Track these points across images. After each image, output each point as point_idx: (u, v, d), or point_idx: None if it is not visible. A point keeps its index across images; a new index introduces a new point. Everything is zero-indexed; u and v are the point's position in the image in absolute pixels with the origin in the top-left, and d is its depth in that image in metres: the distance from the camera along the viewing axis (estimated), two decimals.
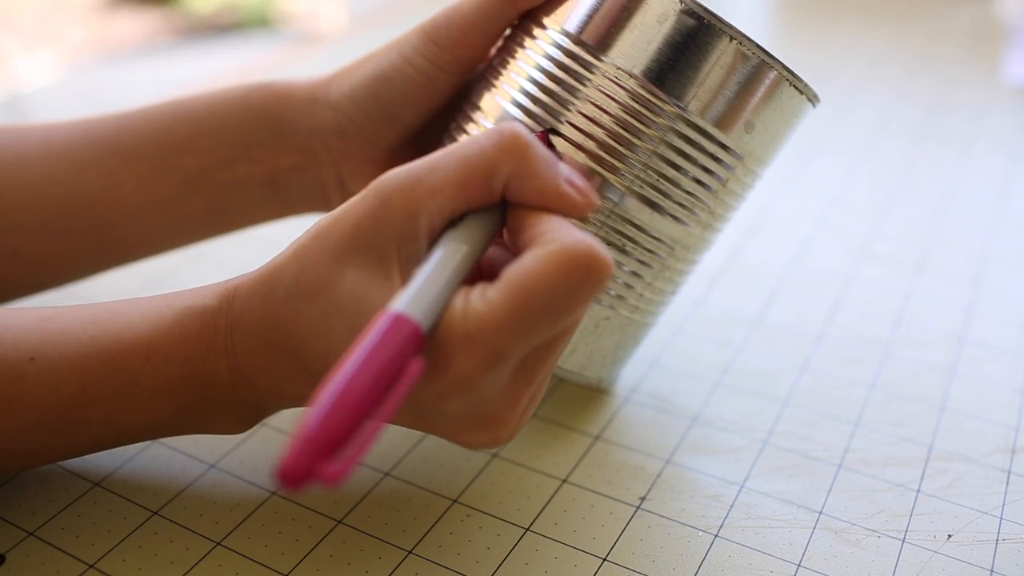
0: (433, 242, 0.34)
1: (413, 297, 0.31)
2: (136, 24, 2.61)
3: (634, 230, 0.40)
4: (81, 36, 2.54)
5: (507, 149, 0.34)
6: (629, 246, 0.40)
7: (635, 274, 0.41)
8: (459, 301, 0.32)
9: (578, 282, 0.31)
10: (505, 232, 0.36)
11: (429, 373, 0.32)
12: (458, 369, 0.32)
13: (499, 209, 0.36)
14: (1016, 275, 0.61)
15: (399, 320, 0.31)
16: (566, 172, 0.35)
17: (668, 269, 0.42)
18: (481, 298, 0.32)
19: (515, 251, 0.34)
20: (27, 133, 0.46)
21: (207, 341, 0.36)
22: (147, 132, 0.46)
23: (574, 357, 0.42)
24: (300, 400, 0.36)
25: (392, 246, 0.34)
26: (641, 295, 0.42)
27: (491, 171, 0.34)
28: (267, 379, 0.36)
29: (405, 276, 0.34)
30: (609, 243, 0.40)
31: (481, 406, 0.34)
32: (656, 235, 0.40)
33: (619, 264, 0.40)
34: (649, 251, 0.41)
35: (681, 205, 0.40)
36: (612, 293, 0.41)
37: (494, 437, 0.35)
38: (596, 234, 0.40)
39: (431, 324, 0.32)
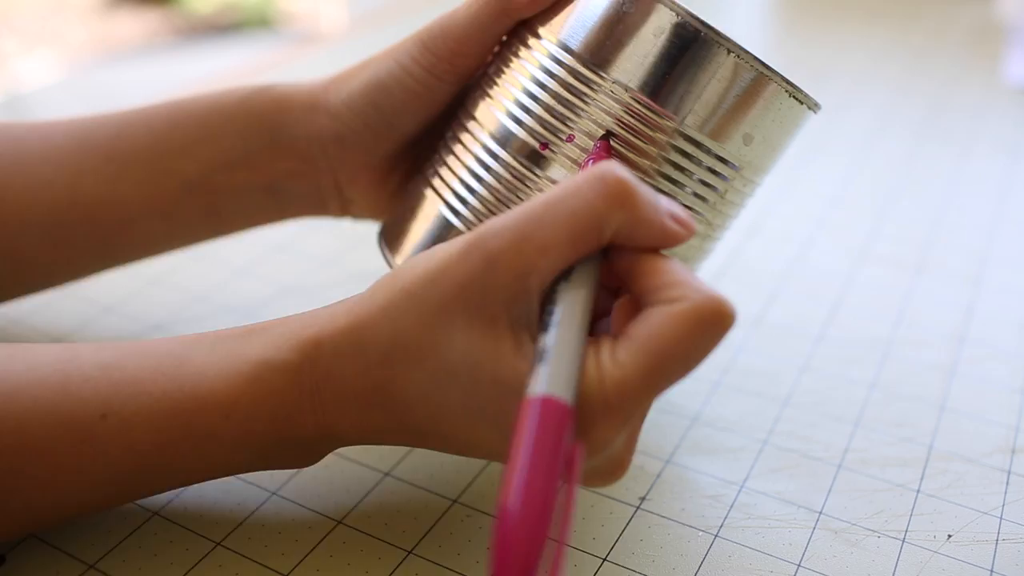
0: (543, 298, 0.33)
1: (555, 374, 0.30)
2: (136, 24, 2.61)
3: None
4: (81, 36, 2.54)
5: (615, 199, 0.32)
6: None
7: None
8: (592, 366, 0.32)
9: (711, 338, 0.31)
10: (608, 266, 0.35)
11: (579, 438, 0.31)
12: (599, 435, 0.32)
13: (601, 250, 0.34)
14: (1016, 275, 0.61)
15: (552, 405, 0.30)
16: (666, 206, 0.34)
17: None
18: (613, 362, 0.31)
19: (629, 292, 0.34)
20: (24, 135, 0.46)
21: (292, 399, 0.35)
22: (146, 137, 0.45)
23: None
24: (394, 443, 0.37)
25: (501, 307, 0.32)
26: None
27: (601, 224, 0.32)
28: (359, 434, 0.36)
29: (518, 336, 0.33)
30: None
31: (610, 458, 0.34)
32: None
33: None
34: None
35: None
36: None
37: (615, 479, 0.35)
38: None
39: (575, 397, 0.31)
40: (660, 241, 0.33)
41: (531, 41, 0.40)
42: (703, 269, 0.45)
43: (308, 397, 0.35)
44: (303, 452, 0.37)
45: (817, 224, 0.66)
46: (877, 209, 0.68)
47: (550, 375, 0.31)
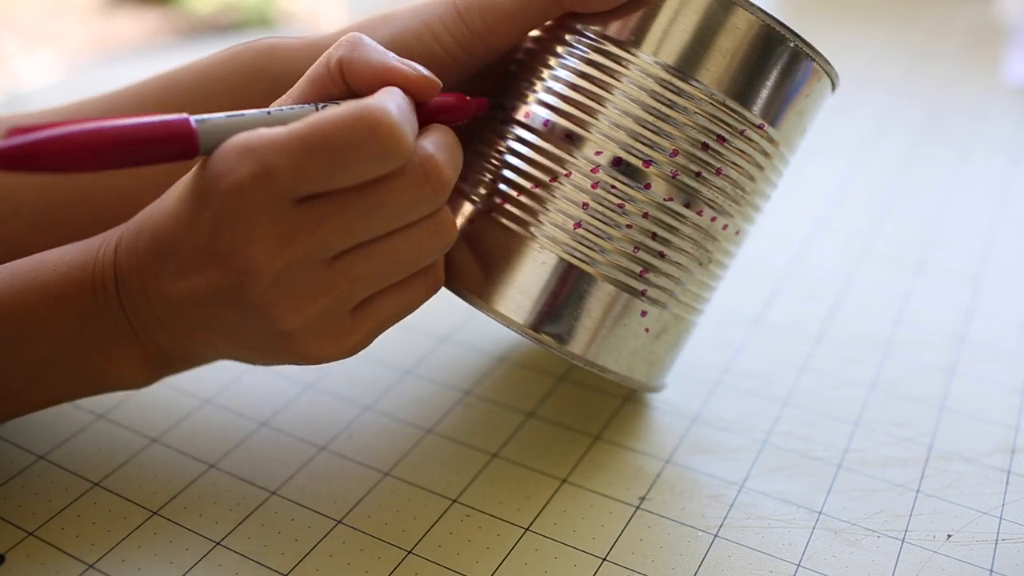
0: None
1: (209, 117, 0.34)
2: (136, 24, 2.61)
3: (676, 220, 0.40)
4: (81, 36, 2.54)
5: (339, 42, 0.37)
6: (671, 237, 0.40)
7: (679, 265, 0.41)
8: (264, 129, 0.34)
9: (362, 135, 0.33)
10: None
11: (210, 178, 0.34)
12: (234, 174, 0.33)
13: None
14: (1016, 275, 0.61)
15: (181, 121, 0.33)
16: (403, 60, 0.37)
17: (711, 262, 0.42)
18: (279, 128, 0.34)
19: None
20: (17, 122, 0.46)
21: (96, 251, 0.39)
22: (137, 111, 0.45)
23: (622, 358, 0.41)
24: (170, 301, 0.37)
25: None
26: (687, 289, 0.41)
27: (326, 58, 0.37)
28: (138, 277, 0.37)
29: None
30: (653, 235, 0.40)
31: (291, 276, 0.34)
32: (696, 224, 0.40)
33: (663, 256, 0.40)
34: (692, 240, 0.40)
35: (721, 191, 0.40)
36: (657, 284, 0.40)
37: (303, 320, 0.35)
38: (637, 225, 0.39)
39: (212, 138, 0.34)
40: (383, 71, 0.37)
41: (565, 27, 0.41)
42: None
43: (110, 254, 0.38)
44: (114, 329, 0.38)
45: (817, 224, 0.66)
46: (877, 209, 0.68)
47: (205, 116, 0.34)
